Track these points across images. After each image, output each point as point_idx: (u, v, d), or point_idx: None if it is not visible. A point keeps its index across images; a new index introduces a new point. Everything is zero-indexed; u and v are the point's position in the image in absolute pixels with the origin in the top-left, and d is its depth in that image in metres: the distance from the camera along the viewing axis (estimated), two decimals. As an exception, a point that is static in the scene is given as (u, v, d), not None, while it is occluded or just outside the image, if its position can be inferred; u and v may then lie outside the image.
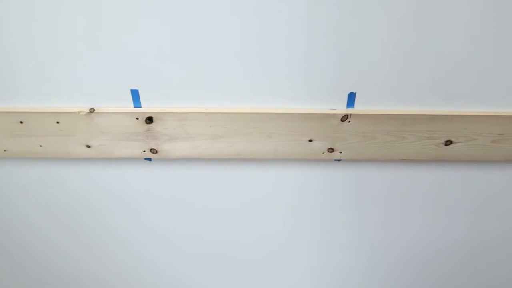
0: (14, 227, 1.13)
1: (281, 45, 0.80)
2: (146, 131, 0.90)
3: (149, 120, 0.88)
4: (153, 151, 0.93)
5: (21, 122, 0.91)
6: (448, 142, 0.91)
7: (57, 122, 0.90)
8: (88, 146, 0.93)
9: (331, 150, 0.93)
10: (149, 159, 0.97)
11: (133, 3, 0.76)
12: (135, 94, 0.87)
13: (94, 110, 0.88)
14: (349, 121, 0.88)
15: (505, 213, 1.07)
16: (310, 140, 0.91)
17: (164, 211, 1.07)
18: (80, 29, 0.79)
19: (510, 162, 0.96)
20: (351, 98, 0.87)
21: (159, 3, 0.76)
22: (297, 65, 0.83)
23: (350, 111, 0.88)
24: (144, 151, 0.93)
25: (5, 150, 0.96)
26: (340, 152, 0.93)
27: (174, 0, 0.76)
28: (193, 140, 0.91)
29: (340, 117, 0.88)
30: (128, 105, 0.89)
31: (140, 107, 0.89)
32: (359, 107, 0.88)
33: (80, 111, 0.88)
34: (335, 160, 0.96)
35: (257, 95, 0.86)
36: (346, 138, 0.91)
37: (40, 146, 0.94)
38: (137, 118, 0.89)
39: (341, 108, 0.89)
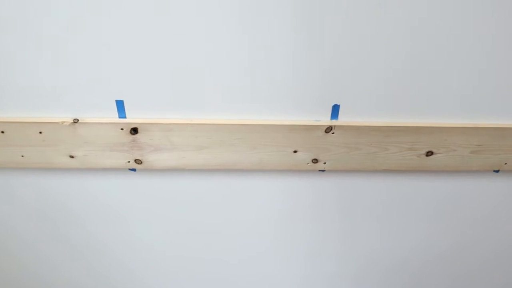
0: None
1: (267, 58, 0.81)
2: (131, 142, 0.90)
3: (134, 130, 0.88)
4: (137, 161, 0.93)
5: (2, 132, 0.89)
6: (429, 153, 0.93)
7: (40, 132, 0.89)
8: (72, 157, 0.92)
9: (315, 161, 0.94)
10: (134, 170, 0.96)
11: (116, 12, 0.75)
12: (120, 104, 0.87)
13: (78, 120, 0.88)
14: (333, 133, 0.90)
15: (482, 218, 1.09)
16: (295, 151, 0.92)
17: (147, 221, 1.07)
18: (64, 38, 0.79)
19: (488, 171, 0.99)
20: (335, 110, 0.89)
21: (143, 12, 0.76)
22: (282, 77, 0.84)
23: (334, 122, 0.89)
24: (129, 162, 0.93)
25: (-15, 160, 0.93)
26: (324, 163, 0.95)
27: (159, 10, 0.75)
28: (179, 151, 0.91)
29: (325, 129, 0.89)
30: (113, 116, 0.88)
31: (125, 117, 0.88)
32: (343, 119, 0.90)
33: (64, 122, 0.88)
34: (319, 170, 0.97)
35: (243, 107, 0.87)
36: (330, 149, 0.92)
37: (22, 156, 0.93)
38: (122, 129, 0.88)
39: (326, 119, 0.90)
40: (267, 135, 0.89)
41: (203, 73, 0.83)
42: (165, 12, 0.76)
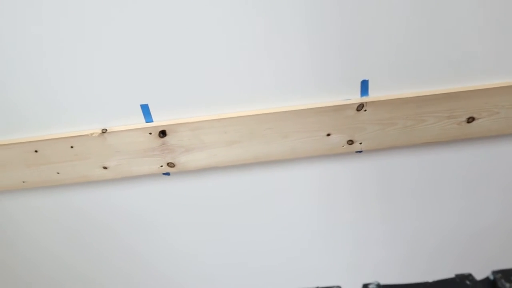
0: (35, 258, 1.12)
1: (288, 41, 0.78)
2: (161, 145, 0.89)
3: (163, 133, 0.87)
4: (170, 165, 0.92)
5: (36, 151, 0.90)
6: (470, 119, 0.88)
7: (71, 147, 0.89)
8: (105, 168, 0.92)
9: (350, 142, 0.90)
10: (168, 174, 0.95)
11: (134, 16, 0.75)
12: (145, 109, 0.86)
13: (106, 130, 0.88)
14: (365, 110, 0.86)
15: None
16: (328, 135, 0.89)
17: (185, 225, 1.05)
18: (82, 50, 0.78)
19: (538, 131, 0.93)
20: (364, 86, 0.85)
21: (157, 14, 0.75)
22: (305, 59, 0.81)
23: (365, 99, 0.86)
24: (162, 166, 0.92)
25: (23, 182, 0.95)
26: (360, 143, 0.91)
27: (172, 9, 0.74)
28: (209, 149, 0.90)
29: (356, 107, 0.86)
30: (139, 121, 0.87)
31: (152, 121, 0.87)
32: (374, 94, 0.86)
33: (93, 133, 0.88)
34: (356, 152, 0.93)
35: (268, 95, 0.85)
36: (365, 128, 0.88)
37: (58, 173, 0.93)
38: (150, 133, 0.87)
39: (356, 97, 0.86)
40: (297, 121, 0.86)
41: (222, 66, 0.81)
42: (177, 9, 0.74)
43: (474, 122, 0.89)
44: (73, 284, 1.18)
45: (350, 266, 1.19)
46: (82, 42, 0.78)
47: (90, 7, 0.74)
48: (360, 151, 0.93)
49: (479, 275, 0.48)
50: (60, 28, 0.76)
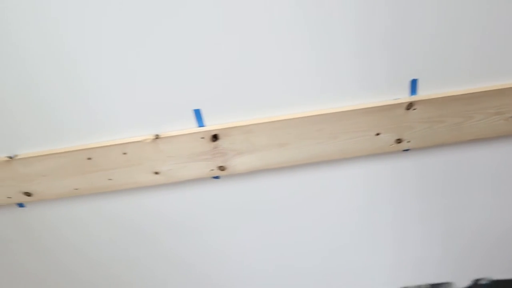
0: (84, 264, 1.13)
1: (337, 43, 0.80)
2: (212, 149, 0.90)
3: (215, 137, 0.88)
4: (221, 168, 0.93)
5: (89, 158, 0.91)
6: (519, 115, 0.89)
7: (124, 153, 0.91)
8: (157, 173, 0.93)
9: (399, 141, 0.91)
10: (217, 177, 0.96)
11: (187, 22, 0.76)
12: (197, 113, 0.87)
13: (158, 136, 0.89)
14: (414, 109, 0.87)
15: None
16: (377, 134, 0.90)
17: (236, 227, 1.06)
18: (137, 57, 0.81)
19: None
20: (413, 85, 0.86)
21: (207, 18, 0.76)
22: (354, 60, 0.82)
23: (414, 98, 0.87)
24: (212, 170, 0.93)
25: (76, 189, 0.96)
26: (408, 142, 0.92)
27: (227, 13, 0.75)
28: (260, 151, 0.91)
29: (405, 106, 0.87)
30: (191, 126, 0.88)
31: (204, 126, 0.88)
32: (423, 93, 0.87)
33: (146, 139, 0.89)
34: (403, 150, 0.94)
35: (317, 96, 0.86)
36: (413, 126, 0.90)
37: (109, 179, 0.95)
38: (202, 138, 0.89)
39: (405, 96, 0.87)
40: (346, 121, 0.87)
41: (272, 69, 0.82)
42: (229, 15, 0.76)
43: (522, 118, 0.89)
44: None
45: (389, 265, 1.19)
46: (136, 49, 0.80)
47: (143, 14, 0.76)
48: (407, 150, 0.94)
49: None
50: (115, 34, 0.77)
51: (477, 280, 1.24)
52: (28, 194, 0.97)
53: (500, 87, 0.86)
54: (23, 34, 0.77)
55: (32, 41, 0.78)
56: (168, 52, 0.80)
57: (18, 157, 0.92)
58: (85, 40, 0.78)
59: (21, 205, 1.02)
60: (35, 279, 1.18)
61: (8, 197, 0.98)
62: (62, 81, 0.83)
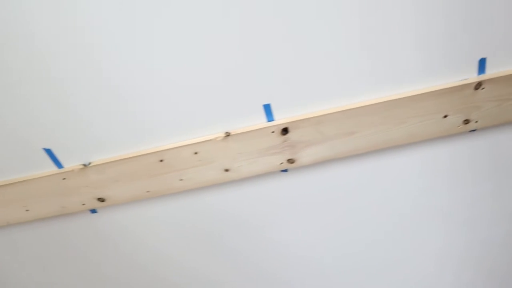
0: (157, 266, 1.15)
1: (401, 26, 0.80)
2: (282, 143, 0.91)
3: (285, 131, 0.89)
4: (290, 161, 0.94)
5: (161, 160, 0.93)
6: None
7: (195, 153, 0.92)
8: (227, 170, 0.95)
9: (466, 121, 0.92)
10: (285, 170, 0.97)
11: (253, 18, 0.78)
12: (267, 108, 0.88)
13: (229, 133, 0.90)
14: (483, 88, 0.87)
15: None
16: (445, 116, 0.90)
17: (301, 220, 1.07)
18: (205, 55, 0.82)
19: None
20: (481, 64, 0.86)
21: (277, 12, 0.77)
22: (419, 43, 0.82)
23: (482, 77, 0.87)
24: (282, 163, 0.94)
25: (147, 191, 0.98)
26: (476, 122, 0.92)
27: (291, 9, 0.77)
28: (330, 141, 0.92)
29: (474, 86, 0.87)
30: (261, 121, 0.89)
31: (273, 120, 0.89)
32: (491, 71, 0.87)
33: (217, 137, 0.90)
34: (470, 131, 0.94)
35: (385, 83, 0.86)
36: (481, 106, 0.90)
37: (180, 180, 0.96)
38: (272, 132, 0.90)
39: (473, 76, 0.87)
40: (415, 105, 0.88)
41: (338, 57, 0.83)
42: (293, 10, 0.77)
43: None
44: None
45: (458, 246, 1.19)
46: (204, 47, 0.81)
47: (212, 12, 0.77)
48: (474, 130, 0.94)
49: None
50: (184, 32, 0.79)
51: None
52: (101, 199, 0.99)
53: None
54: (98, 38, 0.78)
55: (106, 44, 0.79)
56: (236, 49, 0.81)
57: (92, 164, 0.94)
58: (154, 39, 0.79)
59: (93, 211, 1.04)
60: (111, 283, 1.20)
61: (83, 204, 1.01)
62: (132, 85, 0.84)
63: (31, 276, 1.22)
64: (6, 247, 1.13)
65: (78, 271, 1.18)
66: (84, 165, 0.94)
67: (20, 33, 0.77)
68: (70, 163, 0.96)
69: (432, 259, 1.22)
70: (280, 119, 0.90)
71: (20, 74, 0.82)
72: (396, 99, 0.87)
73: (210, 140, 0.91)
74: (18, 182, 0.98)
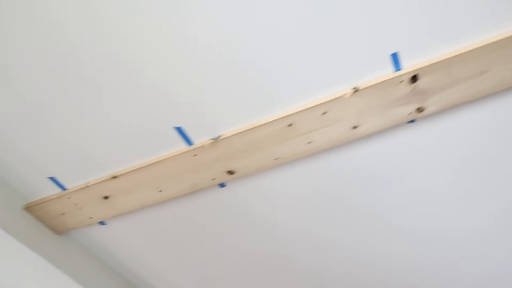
0: (285, 235, 1.16)
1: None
2: (411, 91, 0.90)
3: (414, 78, 0.88)
4: (419, 110, 0.93)
5: (289, 125, 0.94)
6: None
7: (324, 113, 0.92)
8: (355, 127, 0.94)
9: None
10: (413, 121, 0.95)
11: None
12: (394, 57, 0.87)
13: (357, 88, 0.89)
14: None
15: None
16: None
17: (430, 172, 1.05)
18: (321, 11, 0.82)
19: None
20: None
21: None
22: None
23: None
24: (410, 113, 0.93)
25: (276, 158, 0.99)
26: None
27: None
28: (460, 84, 0.90)
29: None
30: (388, 72, 0.88)
31: (401, 69, 0.88)
32: None
33: (345, 94, 0.90)
34: None
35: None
36: None
37: (309, 143, 0.97)
38: (401, 82, 0.88)
39: None
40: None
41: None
42: None
43: None
44: (324, 253, 1.21)
45: None
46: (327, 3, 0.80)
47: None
48: None
49: None
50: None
51: None
52: (231, 172, 1.01)
53: None
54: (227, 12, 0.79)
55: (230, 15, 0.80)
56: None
57: (222, 137, 0.96)
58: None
59: (222, 185, 1.06)
60: (246, 256, 1.23)
61: (213, 179, 1.03)
62: (259, 52, 0.85)
63: (163, 255, 1.26)
64: (141, 229, 1.18)
65: (209, 248, 1.21)
66: (214, 139, 0.96)
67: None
68: (199, 139, 0.97)
69: None
70: (408, 67, 0.88)
71: (151, 55, 0.84)
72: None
73: (339, 97, 0.91)
74: (151, 164, 1.01)
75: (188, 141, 0.98)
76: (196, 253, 1.25)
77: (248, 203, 1.10)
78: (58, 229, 1.17)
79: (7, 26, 0.81)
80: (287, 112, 0.93)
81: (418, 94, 0.91)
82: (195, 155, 0.99)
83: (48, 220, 1.14)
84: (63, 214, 1.12)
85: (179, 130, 0.96)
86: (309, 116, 0.93)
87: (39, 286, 1.14)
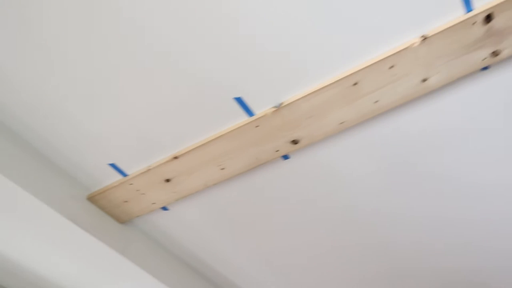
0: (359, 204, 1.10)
1: None
2: (485, 33, 0.84)
3: (488, 18, 0.81)
4: (494, 53, 0.86)
5: (355, 84, 0.89)
6: None
7: (390, 67, 0.87)
8: (424, 80, 0.88)
9: None
10: (486, 68, 0.89)
11: None
12: (465, -3, 0.80)
13: (425, 36, 0.83)
14: None
15: None
16: None
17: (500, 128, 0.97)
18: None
19: None
20: None
21: None
22: None
23: None
24: (485, 59, 0.87)
25: (341, 123, 0.94)
26: None
27: None
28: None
29: None
30: (458, 14, 0.82)
31: (472, 9, 0.82)
32: None
33: (413, 43, 0.84)
34: None
35: None
36: None
37: (375, 102, 0.91)
38: (473, 23, 0.82)
39: None
40: None
41: None
42: None
43: None
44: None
45: None
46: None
47: None
48: None
49: None
50: None
51: None
52: (295, 142, 0.97)
53: None
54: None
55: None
56: None
57: (284, 104, 0.91)
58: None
59: (285, 157, 1.02)
60: (312, 231, 1.18)
61: (276, 151, 0.99)
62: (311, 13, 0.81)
63: (229, 238, 1.23)
64: (204, 212, 1.15)
65: (277, 224, 1.17)
66: (275, 107, 0.92)
67: None
68: (260, 108, 0.94)
69: None
70: (481, 6, 0.82)
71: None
72: None
73: (406, 48, 0.85)
74: (212, 140, 0.98)
75: (248, 111, 0.94)
76: (263, 231, 1.20)
77: (316, 173, 1.06)
78: (122, 218, 1.15)
79: None
80: (351, 70, 0.88)
81: (493, 36, 0.85)
82: (257, 126, 0.95)
83: (111, 209, 1.13)
84: (126, 201, 1.11)
85: (239, 100, 0.93)
86: (375, 72, 0.88)
87: (107, 277, 1.12)
